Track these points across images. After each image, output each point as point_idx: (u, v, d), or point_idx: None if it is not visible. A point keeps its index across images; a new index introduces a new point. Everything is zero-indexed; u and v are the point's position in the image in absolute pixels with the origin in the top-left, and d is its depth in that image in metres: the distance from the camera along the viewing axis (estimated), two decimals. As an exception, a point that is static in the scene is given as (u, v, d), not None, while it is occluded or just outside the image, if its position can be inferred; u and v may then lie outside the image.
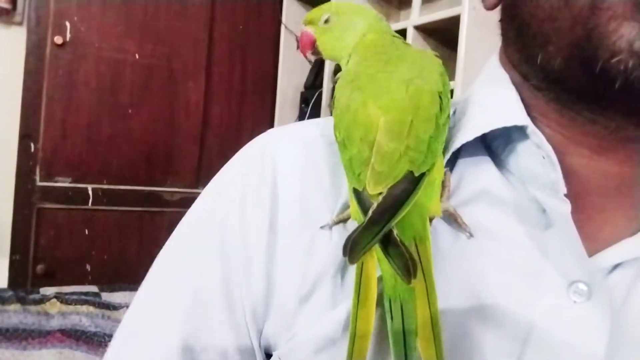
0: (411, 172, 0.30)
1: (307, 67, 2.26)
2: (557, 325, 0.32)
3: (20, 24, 1.88)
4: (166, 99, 2.11)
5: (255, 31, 2.31)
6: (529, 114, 0.35)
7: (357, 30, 0.37)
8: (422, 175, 0.30)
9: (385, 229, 0.28)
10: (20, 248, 1.87)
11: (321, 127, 0.40)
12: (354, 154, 0.31)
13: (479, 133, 0.34)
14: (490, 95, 0.37)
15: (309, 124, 0.42)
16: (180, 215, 0.43)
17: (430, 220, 0.33)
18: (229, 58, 2.26)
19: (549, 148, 0.32)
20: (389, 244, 0.29)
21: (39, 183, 1.89)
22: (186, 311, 0.38)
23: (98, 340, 1.32)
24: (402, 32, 1.60)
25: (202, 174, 2.18)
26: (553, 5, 0.31)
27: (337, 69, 1.93)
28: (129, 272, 2.00)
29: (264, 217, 0.37)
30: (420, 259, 0.30)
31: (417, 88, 0.32)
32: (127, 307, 1.40)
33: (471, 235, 0.34)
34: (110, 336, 1.36)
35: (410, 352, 0.29)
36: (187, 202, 2.10)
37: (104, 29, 1.97)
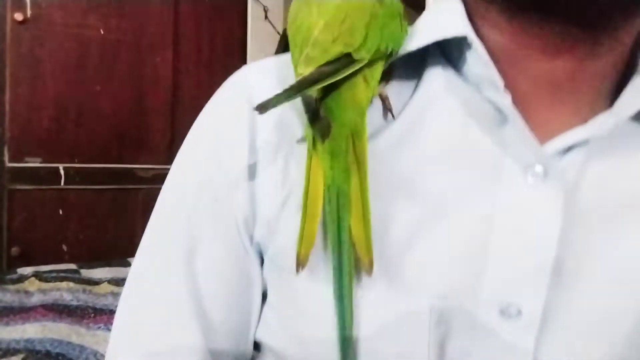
0: (347, 55, 0.33)
1: (276, 37, 2.25)
2: (517, 209, 0.35)
3: (-24, 0, 1.82)
4: (134, 74, 2.09)
5: (222, 2, 2.29)
6: (479, 24, 0.38)
7: None
8: (358, 62, 0.34)
9: (300, 94, 0.33)
10: (-7, 231, 1.84)
11: (286, 57, 0.42)
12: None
13: (421, 45, 0.38)
14: (435, 11, 0.41)
15: (279, 56, 0.44)
16: (155, 191, 0.46)
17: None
18: (197, 30, 2.23)
19: (483, 51, 0.35)
20: (316, 120, 0.34)
21: (8, 164, 1.86)
22: (184, 240, 0.41)
23: (81, 313, 1.32)
24: None
25: (175, 149, 2.13)
26: None
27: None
28: (106, 249, 1.99)
29: (244, 139, 0.40)
30: (356, 151, 0.34)
31: (348, 3, 0.35)
32: (108, 281, 1.40)
33: (393, 117, 0.38)
34: (93, 308, 1.37)
35: (343, 232, 0.34)
36: (160, 178, 2.09)
37: (66, 4, 1.93)
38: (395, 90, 0.39)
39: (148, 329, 0.41)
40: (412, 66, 0.40)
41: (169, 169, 0.45)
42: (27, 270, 1.62)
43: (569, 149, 0.36)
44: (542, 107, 0.38)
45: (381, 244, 0.36)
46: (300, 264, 0.34)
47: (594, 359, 0.35)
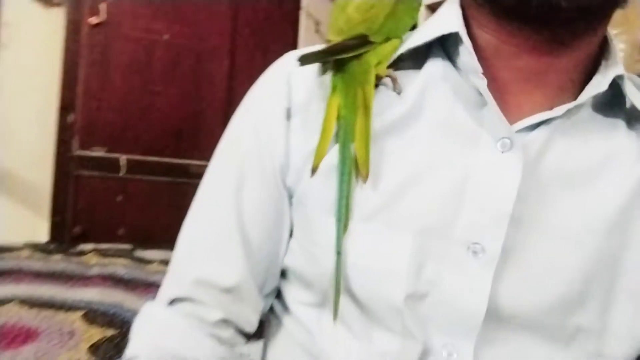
0: (365, 36, 0.45)
1: (326, 48, 2.38)
2: (487, 171, 0.45)
3: (59, 5, 2.03)
4: (193, 77, 2.26)
5: (277, 14, 2.44)
6: (473, 25, 0.48)
7: None
8: (373, 43, 0.46)
9: (330, 57, 0.45)
10: (59, 211, 2.03)
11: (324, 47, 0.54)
12: (332, 23, 0.48)
13: (424, 40, 0.48)
14: (441, 12, 0.52)
15: (315, 46, 0.57)
16: None
17: (379, 79, 0.48)
18: (252, 39, 2.39)
19: (469, 43, 0.45)
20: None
21: (76, 152, 2.05)
22: (235, 183, 0.52)
23: (133, 285, 1.45)
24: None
25: (226, 148, 2.31)
26: None
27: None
28: (158, 236, 2.15)
29: (282, 106, 0.51)
30: (365, 97, 0.46)
31: None
32: (159, 262, 1.55)
33: (400, 92, 0.48)
34: (144, 283, 1.50)
35: (347, 151, 0.45)
36: (211, 174, 2.24)
37: (135, 11, 2.12)
38: (404, 74, 0.50)
39: (198, 257, 0.52)
40: (419, 57, 0.50)
41: None
42: (88, 246, 1.78)
43: (535, 127, 0.45)
44: (517, 94, 0.47)
45: (381, 188, 0.46)
46: (314, 170, 0.46)
47: (539, 294, 0.44)
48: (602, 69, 0.46)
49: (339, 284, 0.46)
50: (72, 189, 2.04)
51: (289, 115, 0.51)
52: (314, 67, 0.51)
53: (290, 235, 0.53)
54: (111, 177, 2.11)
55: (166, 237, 2.09)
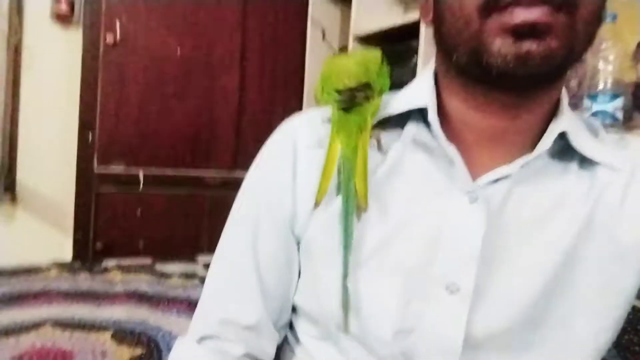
0: (369, 84, 0.54)
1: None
2: (457, 220, 0.52)
3: (76, 26, 2.10)
4: (205, 90, 2.32)
5: (284, 24, 2.48)
6: (445, 94, 0.55)
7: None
8: (373, 90, 0.55)
9: (348, 97, 0.54)
10: (82, 228, 2.11)
11: (321, 112, 0.61)
12: (328, 90, 0.56)
13: (401, 110, 0.56)
14: (417, 84, 0.59)
15: (313, 111, 0.64)
16: (221, 195, 0.66)
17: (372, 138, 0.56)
18: (261, 50, 2.44)
19: (434, 120, 0.53)
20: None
21: (96, 170, 2.12)
22: (251, 235, 0.60)
23: (157, 300, 1.52)
24: (416, 23, 1.74)
25: (240, 157, 2.38)
26: (459, 29, 0.48)
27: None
28: (177, 247, 2.23)
29: (289, 168, 0.59)
30: (362, 139, 0.53)
31: (364, 55, 0.58)
32: (178, 275, 1.62)
33: (385, 152, 0.56)
34: (167, 298, 1.57)
35: (351, 186, 0.52)
36: (226, 184, 2.31)
37: (149, 28, 2.18)
38: (388, 134, 0.58)
39: (223, 300, 0.60)
40: (402, 118, 0.58)
41: (233, 176, 0.65)
42: (110, 262, 1.85)
43: (497, 180, 0.53)
44: (482, 152, 0.54)
45: (370, 237, 0.54)
46: (317, 204, 0.54)
47: (507, 320, 0.51)
48: (551, 125, 0.53)
49: (347, 305, 0.54)
50: (94, 206, 2.11)
51: (295, 172, 0.59)
52: (317, 127, 0.60)
53: (299, 275, 0.61)
54: (130, 192, 2.18)
55: (184, 249, 2.19)
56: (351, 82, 0.55)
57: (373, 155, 0.56)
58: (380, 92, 0.56)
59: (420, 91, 0.56)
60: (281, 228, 0.59)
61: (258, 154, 0.64)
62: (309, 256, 0.58)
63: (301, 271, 0.60)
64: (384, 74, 0.58)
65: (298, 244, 0.60)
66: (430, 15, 0.55)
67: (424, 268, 0.52)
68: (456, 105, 0.54)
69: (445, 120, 0.54)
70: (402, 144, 0.57)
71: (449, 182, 0.54)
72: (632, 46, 1.28)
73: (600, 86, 1.20)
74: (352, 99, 0.54)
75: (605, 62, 1.22)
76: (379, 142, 0.57)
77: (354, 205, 0.52)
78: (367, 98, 0.54)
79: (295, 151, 0.59)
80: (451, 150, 0.53)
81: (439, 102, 0.55)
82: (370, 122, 0.55)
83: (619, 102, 1.19)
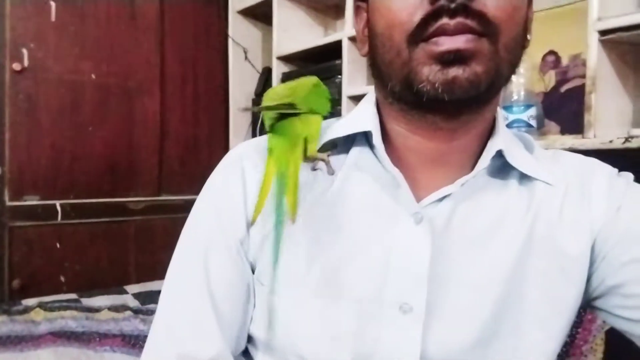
0: (292, 104, 0.56)
1: (256, 76, 2.44)
2: (405, 242, 0.54)
3: (-23, 53, 1.96)
4: (124, 115, 2.24)
5: (204, 44, 2.47)
6: (386, 120, 0.58)
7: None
8: (299, 110, 0.57)
9: (272, 110, 0.57)
10: (-5, 266, 1.96)
11: (265, 138, 0.62)
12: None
13: (346, 133, 0.59)
14: (360, 109, 0.62)
15: (259, 139, 0.65)
16: (146, 222, 0.65)
17: (314, 160, 0.59)
18: (181, 71, 2.41)
19: (379, 143, 0.55)
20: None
21: (8, 203, 1.99)
22: (202, 262, 0.59)
23: (87, 338, 1.44)
24: (338, 43, 1.80)
25: (164, 182, 2.32)
26: (391, 59, 0.51)
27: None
28: (102, 279, 2.13)
29: (239, 193, 0.60)
30: (293, 157, 0.56)
31: (298, 82, 0.61)
32: (108, 309, 1.56)
33: (333, 172, 0.58)
34: (97, 333, 1.50)
35: (281, 199, 0.54)
36: (151, 209, 2.25)
37: (60, 53, 2.08)
38: (335, 158, 0.60)
39: (178, 335, 0.58)
40: (347, 142, 0.60)
41: (158, 201, 0.65)
42: (31, 301, 1.73)
43: (440, 200, 0.55)
44: (425, 173, 0.57)
45: (322, 266, 0.55)
46: (253, 221, 0.56)
47: (460, 337, 0.53)
48: (488, 144, 0.56)
49: (274, 324, 0.56)
50: (7, 241, 1.98)
51: (245, 196, 0.59)
52: (263, 151, 0.60)
53: (254, 305, 0.60)
54: (47, 225, 2.06)
55: (110, 280, 2.09)
56: (273, 101, 0.58)
57: (321, 179, 0.58)
58: (315, 112, 0.59)
59: (363, 116, 0.59)
60: (235, 253, 0.59)
61: (207, 181, 0.64)
62: (262, 287, 0.58)
63: (256, 301, 0.60)
64: (320, 95, 0.61)
65: (253, 271, 0.60)
66: (366, 49, 0.58)
67: (377, 291, 0.54)
68: (397, 130, 0.57)
69: (388, 145, 0.57)
70: (347, 168, 0.59)
71: (395, 204, 0.56)
72: (538, 60, 1.41)
73: (514, 97, 1.31)
74: (274, 109, 0.57)
75: (517, 76, 1.34)
76: (327, 163, 0.59)
77: (283, 216, 0.54)
78: (293, 114, 0.57)
79: (244, 175, 0.60)
80: (396, 173, 0.55)
81: (381, 127, 0.58)
82: (302, 141, 0.57)
83: (532, 111, 1.30)
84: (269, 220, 0.56)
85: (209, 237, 0.59)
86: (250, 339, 0.62)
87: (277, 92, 0.60)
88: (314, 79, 0.62)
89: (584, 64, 1.25)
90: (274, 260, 0.54)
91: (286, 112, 0.57)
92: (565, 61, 1.37)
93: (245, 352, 0.63)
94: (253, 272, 0.60)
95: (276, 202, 0.54)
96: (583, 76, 1.22)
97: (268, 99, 0.59)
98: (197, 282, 0.58)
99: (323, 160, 0.59)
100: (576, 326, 1.09)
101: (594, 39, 1.13)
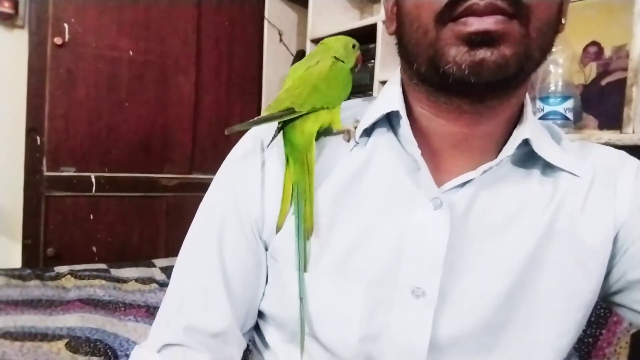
0: (291, 108, 0.54)
1: (290, 58, 2.43)
2: (422, 226, 0.53)
3: (22, 27, 2.02)
4: (160, 92, 2.28)
5: (240, 26, 2.48)
6: (411, 101, 0.56)
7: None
8: (300, 113, 0.55)
9: (260, 124, 0.55)
10: (31, 233, 2.04)
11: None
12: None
13: (375, 118, 0.57)
14: (385, 92, 0.60)
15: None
16: (177, 198, 0.65)
17: (338, 133, 0.59)
18: (217, 52, 2.43)
19: (405, 123, 0.54)
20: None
21: (45, 173, 2.06)
22: (217, 238, 0.60)
23: (113, 307, 1.49)
24: (373, 27, 1.78)
25: (196, 160, 2.36)
26: (418, 38, 0.50)
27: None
28: (132, 252, 2.19)
29: (257, 174, 0.59)
30: (307, 164, 0.55)
31: (308, 71, 0.58)
32: (135, 280, 1.59)
33: (357, 142, 0.58)
34: (123, 303, 1.55)
35: (301, 208, 0.54)
36: (183, 187, 2.29)
37: (99, 30, 2.13)
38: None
39: (188, 307, 0.59)
40: (368, 127, 0.59)
41: (189, 179, 0.65)
42: (63, 268, 1.80)
43: (460, 186, 0.54)
44: (447, 158, 0.56)
45: (337, 246, 0.54)
46: (278, 228, 0.56)
47: (471, 323, 0.53)
48: (515, 132, 0.55)
49: (303, 327, 0.55)
50: (43, 210, 2.05)
51: (263, 178, 0.59)
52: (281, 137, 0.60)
53: (266, 281, 0.61)
54: (82, 196, 2.13)
55: (139, 254, 2.15)
56: (269, 110, 0.56)
57: (342, 160, 0.57)
58: (324, 105, 0.57)
59: (388, 99, 0.57)
60: (249, 231, 0.59)
61: (227, 157, 0.65)
62: (275, 263, 0.58)
63: (268, 277, 0.60)
64: (332, 85, 0.58)
65: (266, 249, 0.60)
66: (394, 27, 0.57)
67: (388, 274, 0.53)
68: (421, 112, 0.56)
69: (412, 127, 0.56)
70: (368, 150, 0.58)
71: (415, 187, 0.55)
72: (579, 51, 1.36)
73: (552, 88, 1.27)
74: (267, 120, 0.55)
75: (556, 66, 1.29)
76: (347, 133, 0.59)
77: (303, 224, 0.55)
78: (287, 117, 0.55)
79: (263, 157, 0.60)
80: (417, 155, 0.54)
81: (406, 109, 0.56)
82: (313, 140, 0.57)
83: (570, 103, 1.26)
84: (288, 220, 0.57)
85: (225, 214, 0.60)
86: (261, 314, 0.62)
87: (277, 98, 0.57)
88: (327, 64, 0.60)
89: (628, 56, 1.19)
90: (299, 269, 0.55)
91: (283, 119, 0.55)
92: (608, 53, 1.31)
93: (256, 328, 0.64)
94: (266, 249, 0.60)
95: (296, 211, 0.55)
96: (626, 69, 1.17)
97: (273, 104, 0.56)
98: (210, 257, 0.59)
99: (349, 131, 0.59)
100: (600, 327, 1.06)
101: (639, 30, 1.08)
